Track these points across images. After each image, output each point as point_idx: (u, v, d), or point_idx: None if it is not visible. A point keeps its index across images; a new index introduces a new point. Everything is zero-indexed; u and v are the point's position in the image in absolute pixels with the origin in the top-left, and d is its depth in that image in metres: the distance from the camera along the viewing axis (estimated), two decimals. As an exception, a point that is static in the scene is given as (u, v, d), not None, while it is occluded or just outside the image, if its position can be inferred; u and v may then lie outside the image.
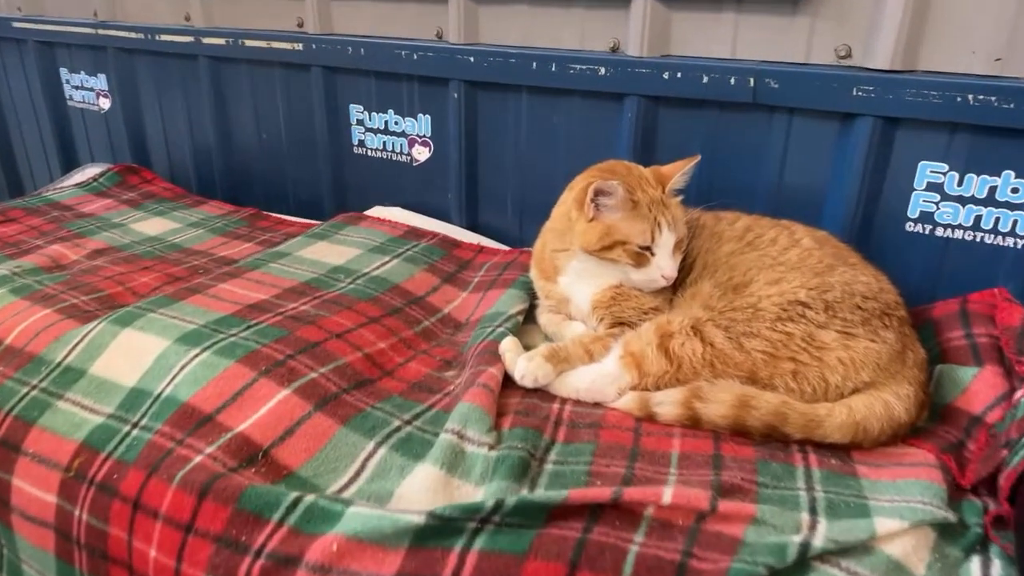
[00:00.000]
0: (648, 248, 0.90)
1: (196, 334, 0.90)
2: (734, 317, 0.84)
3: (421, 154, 1.37)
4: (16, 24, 1.81)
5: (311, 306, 0.99)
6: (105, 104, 1.78)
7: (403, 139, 1.38)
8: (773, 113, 1.03)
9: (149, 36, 1.59)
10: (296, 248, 1.20)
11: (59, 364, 0.90)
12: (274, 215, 1.47)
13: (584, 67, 1.12)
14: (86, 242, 1.29)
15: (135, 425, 0.80)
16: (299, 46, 1.39)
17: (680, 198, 0.93)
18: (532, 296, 1.06)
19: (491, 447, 0.73)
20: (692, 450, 0.76)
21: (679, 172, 0.93)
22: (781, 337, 0.81)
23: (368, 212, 1.41)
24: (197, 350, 0.86)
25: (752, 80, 1.00)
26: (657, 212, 0.90)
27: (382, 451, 0.75)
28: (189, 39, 1.53)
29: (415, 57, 1.27)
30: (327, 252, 1.18)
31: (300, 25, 1.41)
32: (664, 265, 0.90)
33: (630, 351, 0.84)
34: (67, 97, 1.85)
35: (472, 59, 1.21)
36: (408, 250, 1.19)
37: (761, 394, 0.78)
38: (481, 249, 1.24)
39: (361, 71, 1.36)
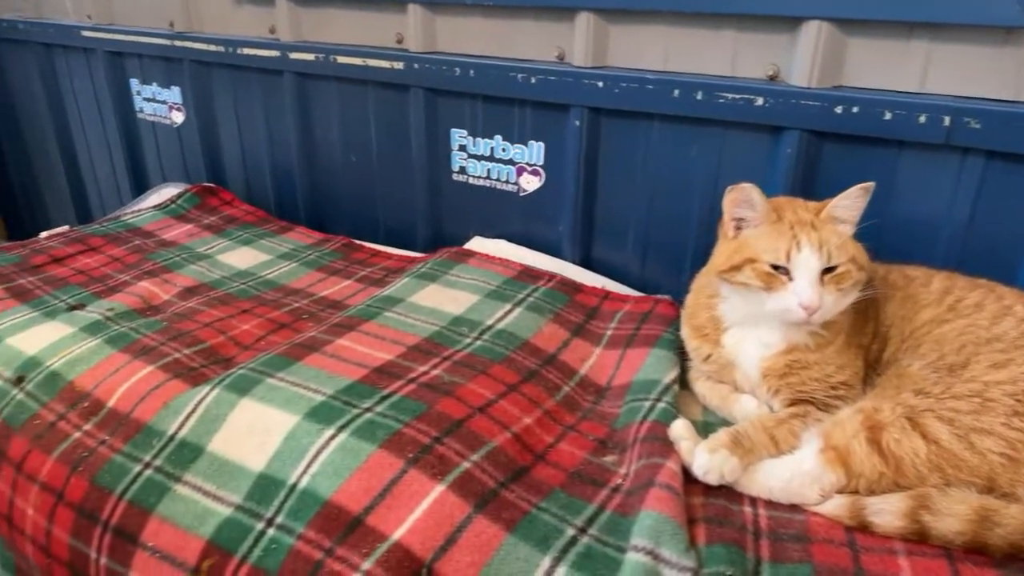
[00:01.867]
0: (783, 269, 0.78)
1: (326, 408, 0.80)
2: (957, 408, 0.71)
3: (530, 183, 1.26)
4: (85, 33, 1.73)
5: (443, 370, 0.88)
6: (178, 118, 1.70)
7: (510, 167, 1.27)
8: (966, 155, 0.90)
9: (229, 49, 1.49)
10: (408, 292, 1.10)
11: (172, 437, 0.81)
12: (368, 245, 1.37)
13: (737, 96, 1.00)
14: (174, 277, 1.20)
15: (270, 523, 0.70)
16: (399, 65, 1.28)
17: (846, 228, 0.81)
18: (681, 356, 0.95)
19: (695, 572, 0.62)
20: (925, 573, 0.64)
21: (843, 196, 0.80)
22: (1020, 436, 0.69)
23: (469, 244, 1.31)
24: (331, 430, 0.76)
25: (948, 119, 0.87)
26: (800, 230, 0.78)
27: (562, 571, 0.64)
28: (274, 54, 1.43)
29: (533, 81, 1.15)
30: (442, 298, 1.08)
31: (400, 42, 1.30)
32: (803, 292, 0.76)
33: (832, 444, 0.72)
34: (137, 109, 1.77)
35: (601, 84, 1.10)
36: (528, 296, 1.08)
37: (1005, 507, 0.66)
38: (607, 295, 1.13)
39: (467, 94, 1.24)
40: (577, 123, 1.14)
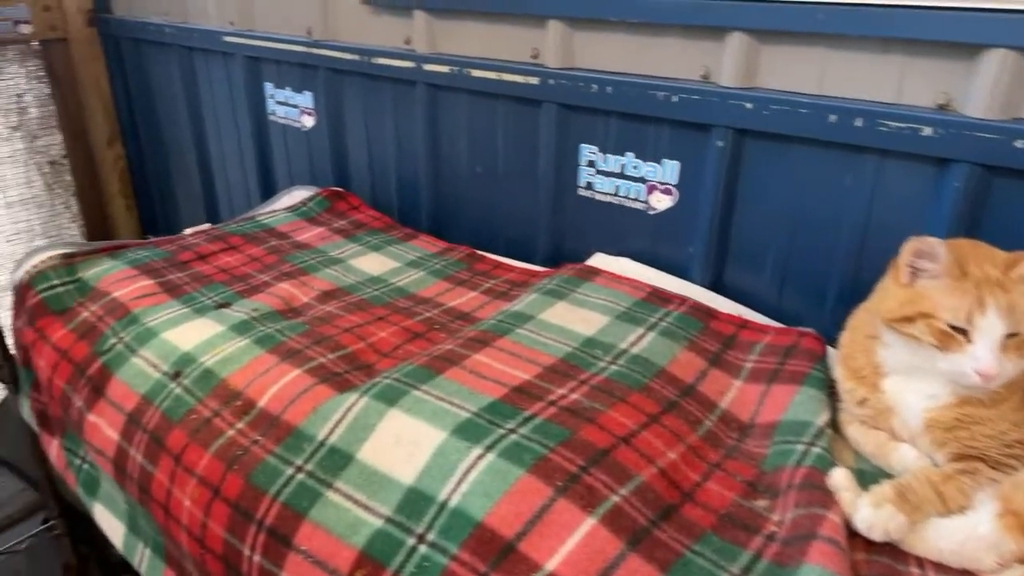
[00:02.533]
0: (962, 330, 0.73)
1: (472, 427, 0.80)
2: None
3: (660, 202, 1.23)
4: (227, 38, 1.83)
5: (581, 394, 0.88)
6: (308, 122, 1.76)
7: (641, 185, 1.25)
8: None
9: (364, 58, 1.54)
10: (537, 310, 1.09)
11: (323, 443, 0.84)
12: (490, 257, 1.39)
13: (902, 125, 0.94)
14: (312, 280, 1.25)
15: (421, 539, 0.72)
16: (534, 80, 1.28)
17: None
18: (831, 396, 0.91)
19: (869, 638, 0.59)
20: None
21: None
22: None
23: (591, 261, 1.30)
24: (479, 449, 0.77)
25: None
26: (986, 290, 0.72)
27: (722, 620, 0.62)
28: (409, 64, 1.46)
29: (675, 99, 1.13)
30: (572, 317, 1.07)
31: (535, 57, 1.30)
32: (982, 359, 0.71)
33: (1012, 509, 0.67)
34: (270, 112, 1.85)
35: (749, 105, 1.06)
36: (660, 320, 1.06)
37: None
38: (744, 324, 1.09)
39: (602, 110, 1.23)
40: (720, 144, 1.11)
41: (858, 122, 0.98)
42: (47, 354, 1.10)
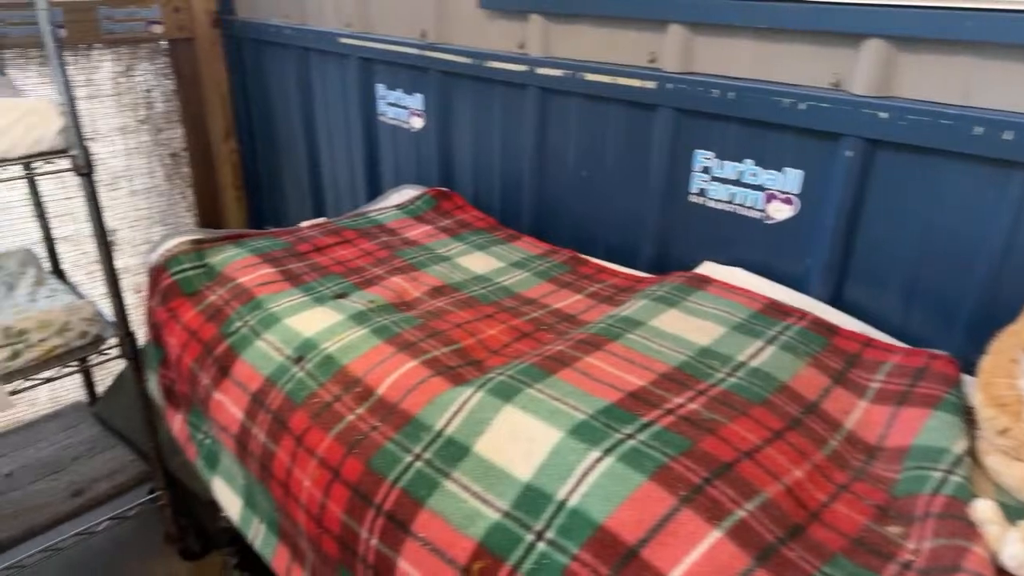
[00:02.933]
0: None
1: (588, 428, 0.80)
2: None
3: (779, 212, 1.20)
4: (342, 40, 1.89)
5: (700, 405, 0.86)
6: (417, 123, 1.81)
7: (758, 193, 1.21)
8: None
9: (477, 61, 1.56)
10: (647, 316, 1.08)
11: (440, 434, 0.86)
12: (593, 261, 1.38)
13: (1059, 139, 0.88)
14: (422, 276, 1.28)
15: (540, 536, 0.72)
16: (650, 84, 1.27)
17: None
18: (968, 422, 0.85)
19: None
20: None
21: None
22: None
23: (700, 269, 1.27)
24: (597, 452, 0.77)
25: None
26: None
27: (858, 647, 0.60)
28: (522, 68, 1.47)
29: (802, 107, 1.09)
30: (684, 326, 1.05)
31: (652, 61, 1.29)
32: None
33: None
34: (380, 113, 1.91)
35: (884, 115, 1.02)
36: (780, 333, 1.03)
37: None
38: (868, 342, 1.04)
39: (721, 116, 1.21)
40: (849, 154, 1.07)
41: (1007, 135, 0.92)
42: (178, 333, 1.17)
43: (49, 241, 2.28)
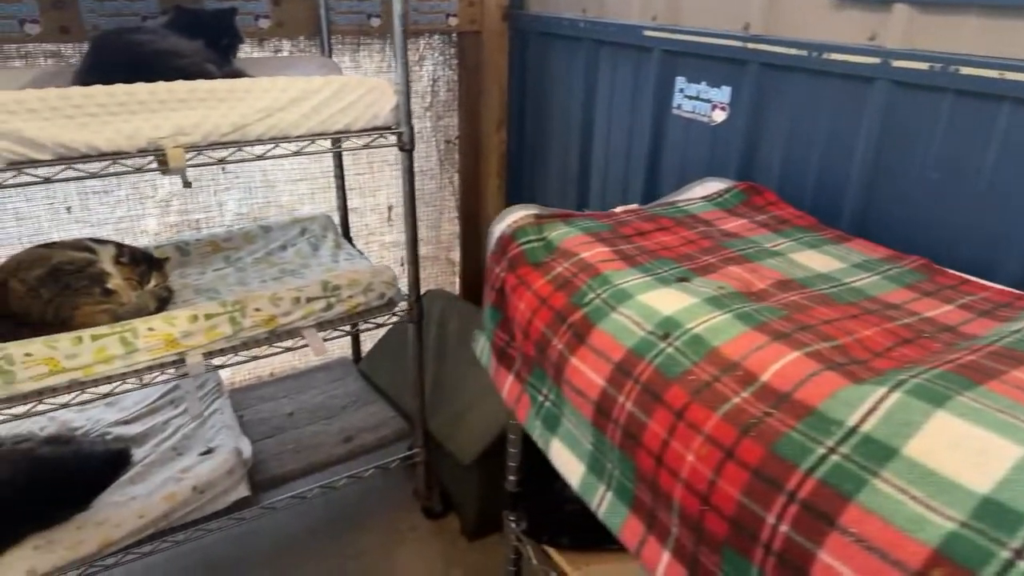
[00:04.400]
0: None
1: (1055, 447, 0.72)
2: None
3: None
4: (647, 32, 1.90)
5: None
6: (719, 117, 1.77)
7: None
8: None
9: (812, 54, 1.49)
10: (1063, 334, 0.96)
11: (854, 430, 0.81)
12: (951, 272, 1.26)
13: None
14: (759, 269, 1.23)
15: (1020, 555, 0.65)
16: (1056, 79, 1.13)
17: None
18: None
19: None
20: None
21: None
22: None
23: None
24: (1078, 475, 0.68)
25: None
26: None
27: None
28: (872, 60, 1.38)
29: None
30: (1116, 350, 0.92)
31: (1058, 53, 1.15)
32: None
33: None
34: (674, 106, 1.90)
35: None
36: None
37: None
38: None
39: None
40: None
41: None
42: (528, 299, 1.23)
43: (344, 211, 2.53)
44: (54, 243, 1.85)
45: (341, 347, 2.77)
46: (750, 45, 1.62)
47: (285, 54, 2.30)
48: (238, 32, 1.88)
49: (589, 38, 2.14)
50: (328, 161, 2.46)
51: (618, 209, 1.53)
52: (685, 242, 1.36)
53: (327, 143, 1.77)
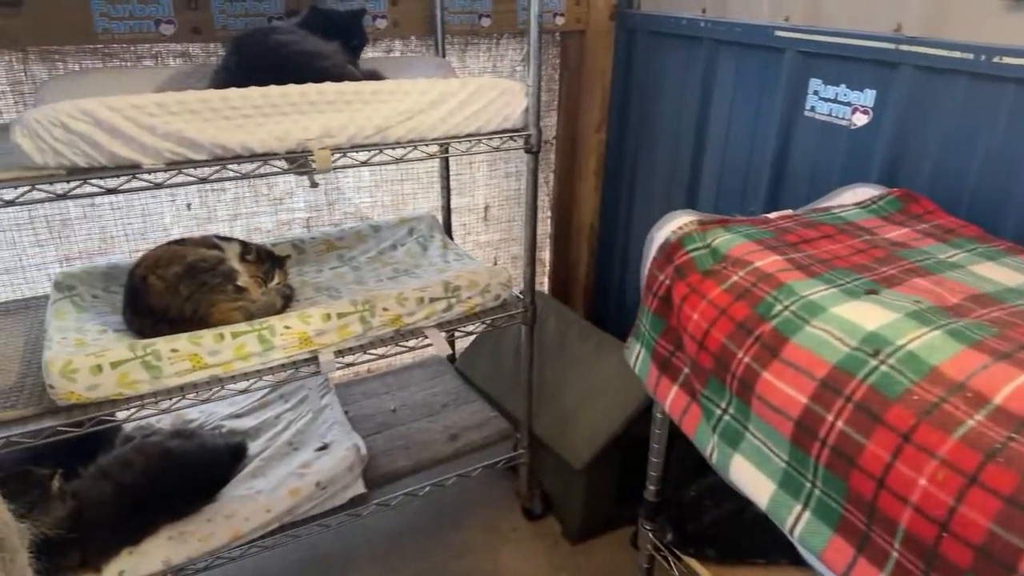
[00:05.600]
0: None
1: None
2: None
3: None
4: (779, 33, 1.86)
5: None
6: (860, 120, 1.72)
7: None
8: None
9: (980, 57, 1.44)
10: None
11: (1124, 460, 0.77)
12: None
13: None
14: (943, 281, 1.19)
15: None
16: None
17: None
18: None
19: None
20: None
21: None
22: None
23: None
24: None
25: None
26: None
27: None
28: (1054, 64, 1.33)
29: None
30: None
31: None
32: None
33: None
34: (807, 108, 1.85)
35: None
36: None
37: None
38: None
39: None
40: None
41: None
42: (703, 309, 1.20)
43: (446, 210, 2.54)
44: (184, 240, 1.89)
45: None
46: (903, 47, 1.57)
47: (396, 54, 2.31)
48: (365, 33, 1.89)
49: (709, 38, 2.10)
50: (432, 160, 2.47)
51: (772, 215, 1.49)
52: (854, 251, 1.32)
53: (461, 145, 1.77)
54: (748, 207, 2.08)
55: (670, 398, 1.29)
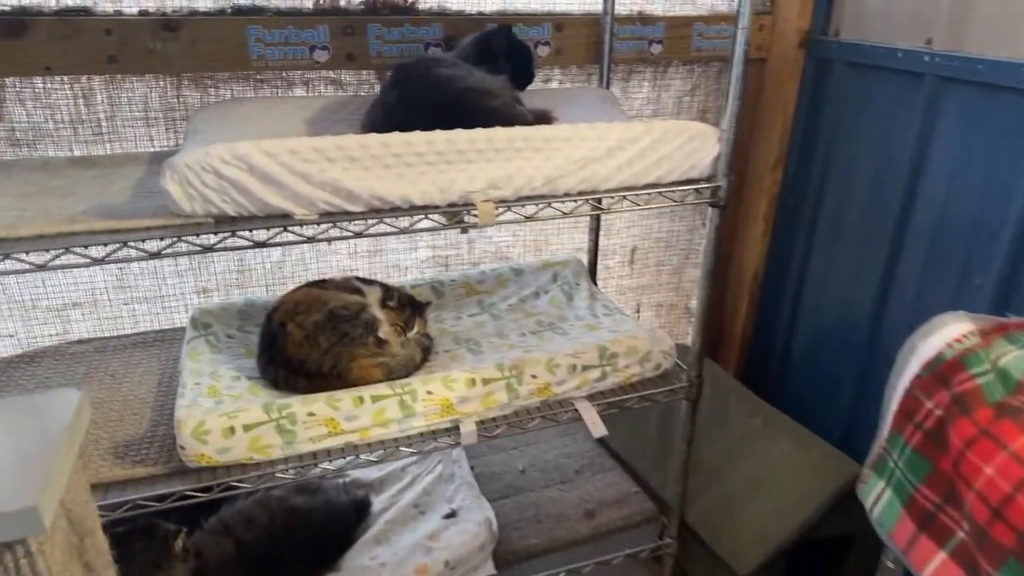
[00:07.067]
0: None
1: None
2: None
3: None
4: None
5: None
6: None
7: None
8: None
9: None
10: None
11: None
12: None
13: None
14: None
15: None
16: None
17: None
18: None
19: None
20: None
21: None
22: None
23: None
24: None
25: None
26: None
27: None
28: None
29: None
30: None
31: None
32: None
33: None
34: None
35: None
36: None
37: None
38: None
39: None
40: None
41: None
42: (1001, 463, 0.90)
43: (593, 253, 2.30)
44: (325, 281, 1.76)
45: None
46: None
47: (554, 84, 2.10)
48: (533, 70, 1.69)
49: (933, 74, 1.75)
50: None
51: (1055, 318, 1.15)
52: None
53: (639, 199, 1.53)
54: (973, 279, 1.72)
55: (932, 567, 0.98)
